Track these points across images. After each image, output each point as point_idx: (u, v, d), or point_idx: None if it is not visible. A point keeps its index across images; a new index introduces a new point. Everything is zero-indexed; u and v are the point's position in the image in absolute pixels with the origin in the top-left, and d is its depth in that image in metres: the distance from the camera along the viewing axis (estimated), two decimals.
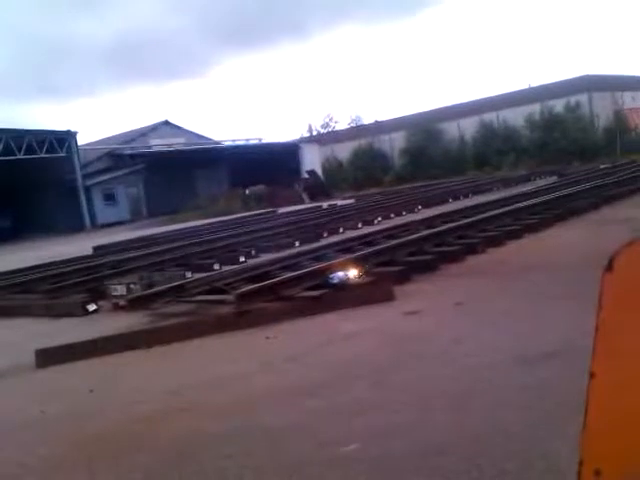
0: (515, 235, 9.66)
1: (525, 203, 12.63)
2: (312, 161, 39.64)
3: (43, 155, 31.90)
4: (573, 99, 36.07)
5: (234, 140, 43.07)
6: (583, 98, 36.32)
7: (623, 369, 1.22)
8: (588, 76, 37.63)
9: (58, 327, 7.40)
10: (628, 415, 1.20)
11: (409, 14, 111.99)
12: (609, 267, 1.25)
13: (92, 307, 7.99)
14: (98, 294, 8.60)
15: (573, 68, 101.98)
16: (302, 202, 29.83)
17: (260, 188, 32.92)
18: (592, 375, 1.25)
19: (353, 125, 51.15)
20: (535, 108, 36.47)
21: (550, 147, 33.61)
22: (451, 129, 40.24)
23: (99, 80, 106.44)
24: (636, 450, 1.19)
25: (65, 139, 33.18)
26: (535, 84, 41.40)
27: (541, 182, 21.44)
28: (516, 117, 36.71)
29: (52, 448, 3.67)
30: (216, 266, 10.49)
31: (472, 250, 8.64)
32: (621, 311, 1.24)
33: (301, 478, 2.89)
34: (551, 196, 13.53)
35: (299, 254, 10.04)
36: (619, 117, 35.95)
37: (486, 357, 4.21)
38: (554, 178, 21.95)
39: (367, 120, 51.28)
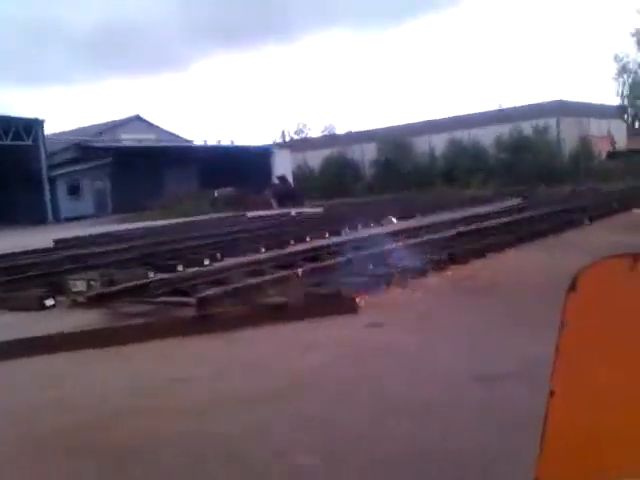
0: (479, 253, 9.76)
1: (491, 222, 12.85)
2: (283, 167, 39.59)
3: (8, 142, 31.09)
4: (542, 122, 36.90)
5: (205, 141, 42.80)
6: (551, 122, 37.19)
7: (583, 387, 1.24)
8: (557, 101, 38.56)
9: (12, 321, 7.19)
10: (586, 433, 1.22)
11: (394, 25, 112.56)
12: (572, 287, 1.27)
13: (50, 302, 7.79)
14: (57, 289, 8.40)
15: (543, 92, 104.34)
16: (271, 207, 29.71)
17: (229, 191, 32.64)
18: (551, 393, 1.26)
19: (326, 133, 51.44)
20: (505, 129, 37.20)
21: (517, 168, 34.25)
22: (422, 144, 40.72)
23: (75, 68, 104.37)
24: (593, 468, 1.20)
25: (32, 127, 32.35)
26: (506, 105, 42.26)
27: (507, 203, 21.81)
28: (486, 136, 37.37)
29: None
30: (180, 267, 10.36)
31: (436, 266, 8.71)
32: (582, 330, 1.25)
33: None
34: (516, 217, 13.80)
35: (265, 260, 9.99)
36: (584, 143, 36.89)
37: (445, 372, 4.25)
38: (519, 200, 22.38)
39: (340, 130, 51.72)
